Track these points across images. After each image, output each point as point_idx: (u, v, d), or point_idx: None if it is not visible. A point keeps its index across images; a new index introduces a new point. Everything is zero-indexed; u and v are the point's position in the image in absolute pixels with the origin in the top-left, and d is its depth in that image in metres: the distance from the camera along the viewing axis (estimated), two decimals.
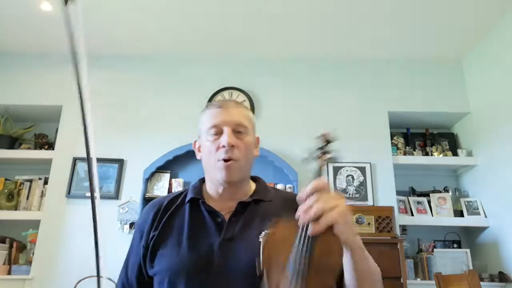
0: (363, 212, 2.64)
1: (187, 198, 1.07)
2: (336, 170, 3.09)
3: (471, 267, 2.84)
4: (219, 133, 1.03)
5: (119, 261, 1.10)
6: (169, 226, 1.04)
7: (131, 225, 2.90)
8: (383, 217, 2.63)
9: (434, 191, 3.22)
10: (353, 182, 3.06)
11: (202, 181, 1.14)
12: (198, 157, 1.12)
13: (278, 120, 3.23)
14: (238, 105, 1.10)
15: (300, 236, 0.78)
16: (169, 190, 3.00)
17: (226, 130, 1.02)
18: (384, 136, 3.20)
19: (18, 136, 3.33)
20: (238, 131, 1.04)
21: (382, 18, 2.93)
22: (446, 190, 3.22)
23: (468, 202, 3.09)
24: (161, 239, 1.02)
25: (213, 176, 1.04)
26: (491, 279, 2.72)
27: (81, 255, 2.76)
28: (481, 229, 3.02)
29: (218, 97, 3.27)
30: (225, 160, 1.00)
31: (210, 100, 3.23)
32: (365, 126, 3.22)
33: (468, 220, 3.01)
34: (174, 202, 1.09)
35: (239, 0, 2.77)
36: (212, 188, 1.08)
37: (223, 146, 1.01)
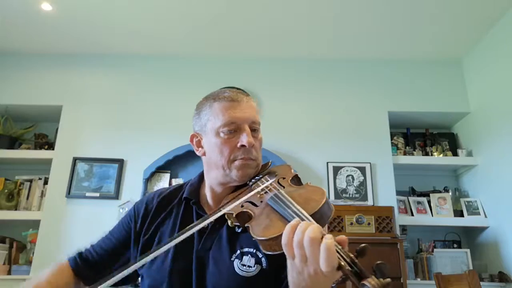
0: (363, 212, 2.64)
1: (183, 197, 1.03)
2: (336, 170, 3.09)
3: (471, 267, 2.84)
4: (235, 130, 0.94)
5: None
6: (163, 223, 1.01)
7: None
8: (383, 217, 2.63)
9: (434, 191, 3.22)
10: (353, 182, 3.06)
11: (202, 177, 1.06)
12: (199, 154, 1.02)
13: (278, 120, 3.23)
14: (248, 98, 1.00)
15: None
16: None
17: (246, 128, 0.94)
18: (384, 136, 3.20)
19: (18, 136, 3.32)
20: (254, 128, 0.97)
21: (382, 18, 2.93)
22: (446, 190, 3.22)
23: (468, 202, 3.09)
24: (153, 238, 0.99)
25: (221, 174, 0.96)
26: (491, 279, 2.72)
27: None
28: (481, 229, 3.02)
29: None
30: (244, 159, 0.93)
31: None
32: (365, 126, 3.22)
33: (468, 220, 3.00)
34: (174, 196, 1.05)
35: (239, 0, 2.78)
36: (209, 188, 1.01)
37: (242, 146, 0.93)
